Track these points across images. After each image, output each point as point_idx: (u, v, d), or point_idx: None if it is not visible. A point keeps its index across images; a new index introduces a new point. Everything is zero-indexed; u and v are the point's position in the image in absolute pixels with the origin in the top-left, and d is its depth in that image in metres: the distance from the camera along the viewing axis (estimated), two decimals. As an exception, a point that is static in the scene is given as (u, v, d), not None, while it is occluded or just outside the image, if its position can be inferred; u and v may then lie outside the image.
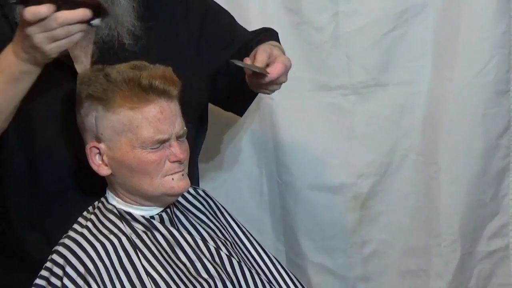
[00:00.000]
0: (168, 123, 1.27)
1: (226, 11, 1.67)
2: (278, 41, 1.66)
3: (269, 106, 2.05)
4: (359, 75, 2.02)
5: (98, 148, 1.30)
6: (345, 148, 2.07)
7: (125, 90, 1.25)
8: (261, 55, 1.43)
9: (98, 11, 1.21)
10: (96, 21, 1.21)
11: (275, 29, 1.73)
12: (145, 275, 1.27)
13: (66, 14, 1.16)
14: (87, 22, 1.20)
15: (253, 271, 1.38)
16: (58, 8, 1.16)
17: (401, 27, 1.99)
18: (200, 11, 1.57)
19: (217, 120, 2.05)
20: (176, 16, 1.53)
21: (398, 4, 1.98)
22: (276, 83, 1.48)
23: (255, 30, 1.70)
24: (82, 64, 1.42)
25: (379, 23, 1.99)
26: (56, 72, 1.36)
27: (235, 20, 1.68)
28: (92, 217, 1.34)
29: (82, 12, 1.18)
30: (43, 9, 1.14)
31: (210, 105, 1.71)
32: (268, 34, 1.66)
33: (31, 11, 1.14)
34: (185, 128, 1.31)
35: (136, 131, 1.26)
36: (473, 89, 1.99)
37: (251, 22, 1.85)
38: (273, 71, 1.43)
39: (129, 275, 1.27)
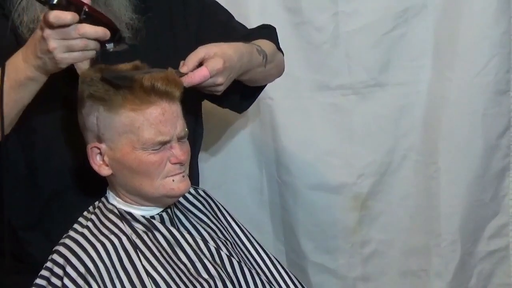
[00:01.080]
0: (170, 125, 1.27)
1: (224, 8, 1.66)
2: (274, 38, 1.65)
3: (269, 106, 2.05)
4: (359, 75, 2.02)
5: (99, 148, 1.29)
6: (345, 148, 2.06)
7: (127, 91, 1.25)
8: (190, 58, 1.35)
9: (114, 37, 1.21)
10: (110, 45, 1.22)
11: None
12: (146, 275, 1.27)
13: (89, 28, 1.16)
14: (103, 42, 1.20)
15: (253, 271, 1.37)
16: (81, 21, 1.16)
17: (401, 27, 1.99)
18: (197, 9, 1.56)
19: (217, 120, 2.05)
20: (173, 11, 1.53)
21: (398, 4, 1.98)
22: (211, 85, 1.37)
23: (253, 28, 1.69)
24: (82, 63, 1.41)
25: (379, 23, 1.99)
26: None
27: (232, 17, 1.67)
28: (93, 217, 1.34)
29: (103, 31, 1.18)
30: (68, 16, 1.14)
31: (210, 106, 1.71)
32: (262, 32, 1.64)
33: (56, 15, 1.14)
34: (186, 129, 1.31)
35: (137, 132, 1.25)
36: (473, 89, 1.99)
37: (251, 22, 1.84)
38: (191, 77, 1.33)
39: (130, 275, 1.27)
